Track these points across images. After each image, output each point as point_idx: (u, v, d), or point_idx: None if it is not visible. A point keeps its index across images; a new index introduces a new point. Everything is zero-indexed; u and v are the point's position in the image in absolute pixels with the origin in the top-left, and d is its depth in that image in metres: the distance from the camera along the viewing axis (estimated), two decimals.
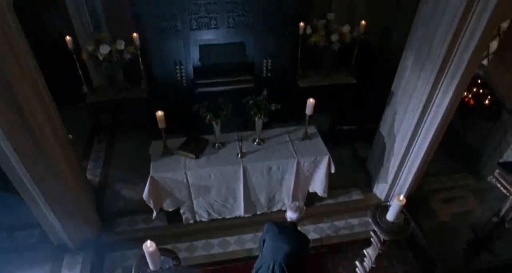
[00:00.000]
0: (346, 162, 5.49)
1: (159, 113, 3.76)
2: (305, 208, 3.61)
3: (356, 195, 5.03)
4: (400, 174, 4.54)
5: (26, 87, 3.18)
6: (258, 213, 4.63)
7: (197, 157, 4.02)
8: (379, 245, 3.23)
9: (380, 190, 4.94)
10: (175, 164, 3.98)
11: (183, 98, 5.25)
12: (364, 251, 3.50)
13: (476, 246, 4.42)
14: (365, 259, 3.55)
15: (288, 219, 3.57)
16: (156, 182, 3.92)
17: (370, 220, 3.07)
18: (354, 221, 4.82)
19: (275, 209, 4.65)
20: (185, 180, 3.96)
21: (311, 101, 3.97)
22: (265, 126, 4.31)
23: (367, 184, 5.16)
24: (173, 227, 4.54)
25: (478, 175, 5.42)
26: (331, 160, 4.17)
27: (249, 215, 4.60)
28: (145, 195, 3.90)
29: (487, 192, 5.20)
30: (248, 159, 4.06)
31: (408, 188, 4.62)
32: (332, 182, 4.51)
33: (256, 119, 3.98)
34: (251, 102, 3.87)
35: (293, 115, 5.75)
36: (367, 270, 3.53)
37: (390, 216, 3.01)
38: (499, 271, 4.32)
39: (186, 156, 4.04)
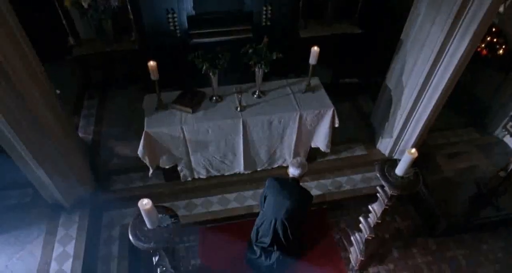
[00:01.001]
0: (348, 117, 5.28)
1: (151, 63, 3.48)
2: (307, 164, 3.47)
3: (359, 151, 4.88)
4: (406, 128, 4.36)
5: (2, 38, 2.91)
6: (258, 169, 4.49)
7: (193, 111, 3.79)
8: (386, 201, 3.10)
9: (384, 145, 4.78)
10: (170, 119, 3.75)
11: (177, 50, 4.92)
12: (369, 206, 3.39)
13: (480, 200, 4.35)
14: (369, 214, 3.45)
15: (290, 175, 3.44)
16: (151, 138, 3.71)
17: (377, 174, 2.91)
18: (357, 177, 4.72)
19: (275, 166, 4.50)
20: (181, 135, 3.75)
21: (315, 49, 3.68)
22: (264, 80, 4.04)
23: (371, 139, 4.99)
24: (171, 185, 4.41)
25: (484, 130, 5.26)
26: (336, 113, 3.96)
27: (249, 171, 4.45)
28: (140, 151, 3.71)
29: (493, 147, 5.08)
30: (248, 112, 3.83)
31: (413, 143, 4.46)
32: (335, 138, 4.33)
33: (256, 69, 3.70)
34: (250, 50, 3.57)
35: (294, 68, 5.46)
36: (371, 225, 3.44)
37: (399, 170, 2.86)
38: (503, 225, 4.29)
39: (182, 110, 3.80)
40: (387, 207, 3.16)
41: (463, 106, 5.39)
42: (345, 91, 5.63)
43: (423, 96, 3.92)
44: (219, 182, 4.44)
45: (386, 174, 2.90)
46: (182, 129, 3.70)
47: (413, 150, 2.70)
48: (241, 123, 3.79)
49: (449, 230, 4.20)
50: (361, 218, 3.56)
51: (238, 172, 4.43)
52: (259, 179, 4.46)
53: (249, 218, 4.18)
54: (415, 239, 4.29)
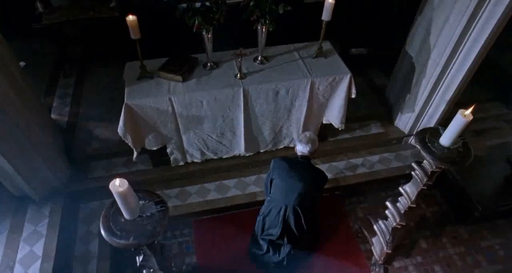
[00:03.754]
0: (360, 92, 4.64)
1: (130, 17, 2.84)
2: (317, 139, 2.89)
3: (375, 129, 4.28)
4: (432, 100, 3.76)
5: None
6: (261, 151, 3.87)
7: (184, 80, 3.14)
8: (424, 179, 2.51)
9: (403, 121, 4.18)
10: (156, 89, 3.10)
11: (163, 17, 4.24)
12: (400, 188, 2.79)
13: None
14: (399, 198, 2.86)
15: (299, 153, 2.86)
16: (133, 112, 3.06)
17: (417, 145, 2.32)
18: (374, 158, 4.13)
19: (281, 146, 3.89)
20: (170, 108, 3.10)
21: (330, 1, 3.05)
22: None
23: (387, 116, 4.40)
24: (160, 170, 3.77)
25: None
26: (353, 81, 3.35)
27: (251, 153, 3.83)
28: (120, 129, 3.06)
29: None
30: (249, 80, 3.19)
31: (439, 118, 3.88)
32: (347, 114, 3.72)
33: (259, 27, 3.07)
34: (252, 3, 2.94)
35: (297, 39, 4.83)
36: (403, 211, 2.85)
37: (445, 139, 2.27)
38: None
39: (170, 79, 3.15)
40: (424, 187, 2.58)
41: (488, 78, 4.80)
42: (353, 65, 4.98)
43: (455, 59, 3.32)
44: (216, 166, 3.81)
45: (429, 144, 2.30)
46: (170, 100, 3.05)
47: (468, 111, 2.11)
48: (241, 93, 3.16)
49: (483, 216, 3.64)
50: (388, 203, 2.97)
51: (238, 155, 3.81)
52: (262, 163, 3.86)
53: (252, 208, 3.61)
54: (444, 227, 3.73)
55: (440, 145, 2.28)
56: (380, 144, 4.19)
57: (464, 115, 2.10)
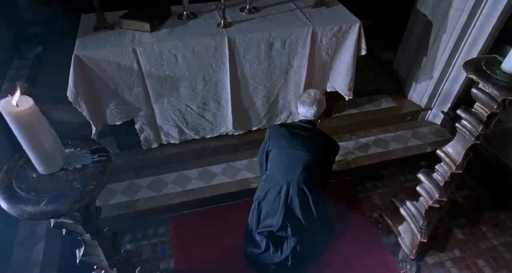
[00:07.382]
0: (366, 66, 4.05)
1: None
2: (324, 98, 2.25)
3: (386, 103, 3.64)
4: (454, 60, 3.16)
5: None
6: (254, 129, 3.17)
7: (153, 29, 2.46)
8: (479, 128, 1.84)
9: (419, 92, 3.56)
10: (117, 39, 2.41)
11: None
12: (439, 151, 2.12)
13: None
14: (437, 166, 2.18)
15: (301, 117, 2.20)
16: (88, 69, 2.35)
17: (472, 76, 1.67)
18: (387, 136, 3.48)
19: (277, 122, 3.20)
20: (135, 64, 2.40)
21: None
22: None
23: (399, 89, 3.78)
24: (129, 155, 3.03)
25: None
26: (362, 32, 2.72)
27: (240, 132, 3.13)
28: (70, 91, 2.33)
29: None
30: (236, 29, 2.52)
31: (462, 85, 3.27)
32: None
33: None
34: None
35: None
36: (442, 182, 2.16)
37: (510, 63, 1.62)
38: None
39: (135, 28, 2.47)
40: (478, 141, 1.91)
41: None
42: None
43: (482, 6, 2.74)
44: (198, 148, 3.09)
45: (488, 72, 1.65)
46: (134, 52, 2.35)
47: None
48: (226, 45, 2.48)
49: None
50: (420, 175, 2.28)
51: (225, 134, 3.11)
52: (254, 144, 3.15)
53: (245, 198, 2.91)
54: (481, 213, 3.06)
55: (504, 72, 1.64)
56: (393, 120, 3.55)
57: None
